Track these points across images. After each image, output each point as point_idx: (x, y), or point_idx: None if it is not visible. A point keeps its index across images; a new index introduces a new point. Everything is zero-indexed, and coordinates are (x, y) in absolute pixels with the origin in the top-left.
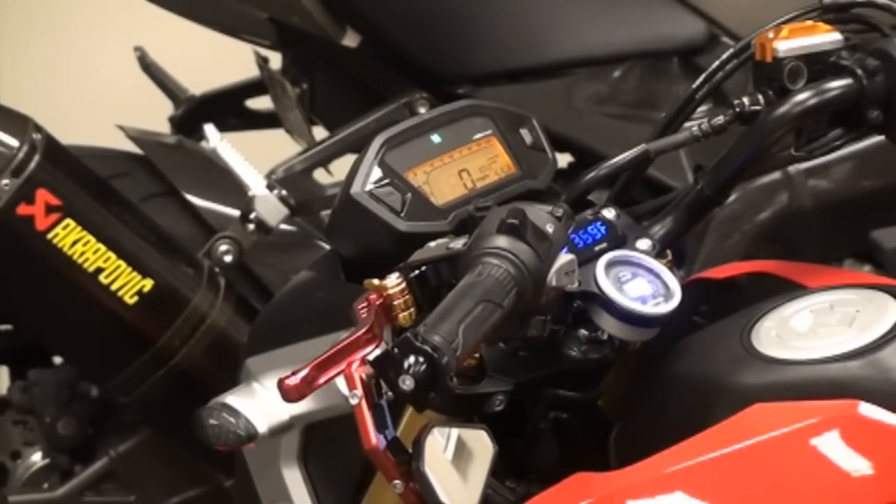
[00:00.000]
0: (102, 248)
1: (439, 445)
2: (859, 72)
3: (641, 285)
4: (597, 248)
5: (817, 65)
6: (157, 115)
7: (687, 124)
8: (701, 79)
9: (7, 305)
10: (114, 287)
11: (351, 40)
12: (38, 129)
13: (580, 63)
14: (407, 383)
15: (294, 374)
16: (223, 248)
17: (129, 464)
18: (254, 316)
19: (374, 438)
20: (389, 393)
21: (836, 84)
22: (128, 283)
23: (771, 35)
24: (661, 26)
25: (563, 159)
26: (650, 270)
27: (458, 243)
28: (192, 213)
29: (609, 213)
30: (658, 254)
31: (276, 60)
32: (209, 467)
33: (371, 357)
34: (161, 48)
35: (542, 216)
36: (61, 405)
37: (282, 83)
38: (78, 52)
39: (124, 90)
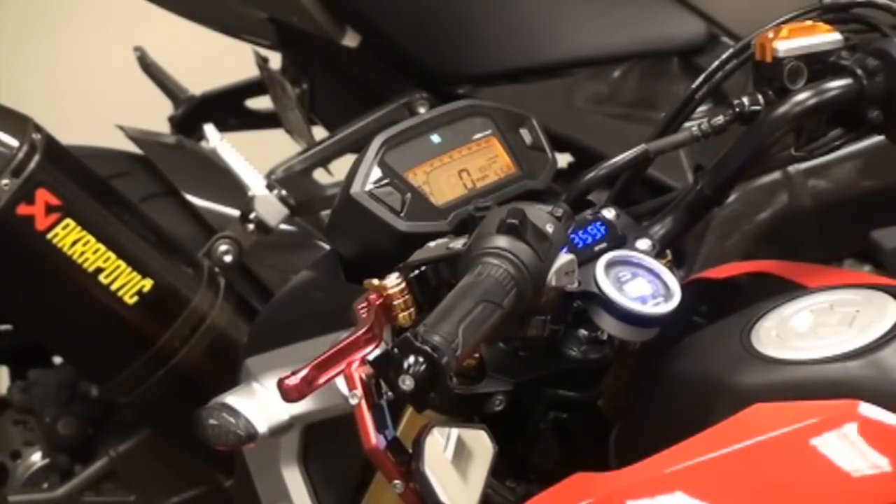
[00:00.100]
0: (102, 248)
1: (439, 445)
2: (859, 72)
3: (641, 285)
4: (597, 248)
5: (817, 65)
6: (157, 115)
7: (687, 124)
8: (701, 79)
9: (7, 305)
10: (114, 287)
11: (351, 40)
12: (38, 129)
13: (580, 63)
14: (407, 383)
15: (294, 374)
16: (223, 248)
17: (129, 464)
18: (254, 316)
19: (374, 438)
20: (389, 393)
21: (836, 84)
22: (128, 283)
23: (771, 35)
24: (661, 26)
25: (563, 159)
26: (650, 270)
27: (458, 243)
28: (192, 213)
29: (609, 213)
30: (658, 254)
31: (276, 60)
32: (209, 467)
33: (371, 357)
34: (161, 48)
35: (542, 216)
36: (61, 405)
37: (282, 83)
38: (78, 52)
39: (124, 90)
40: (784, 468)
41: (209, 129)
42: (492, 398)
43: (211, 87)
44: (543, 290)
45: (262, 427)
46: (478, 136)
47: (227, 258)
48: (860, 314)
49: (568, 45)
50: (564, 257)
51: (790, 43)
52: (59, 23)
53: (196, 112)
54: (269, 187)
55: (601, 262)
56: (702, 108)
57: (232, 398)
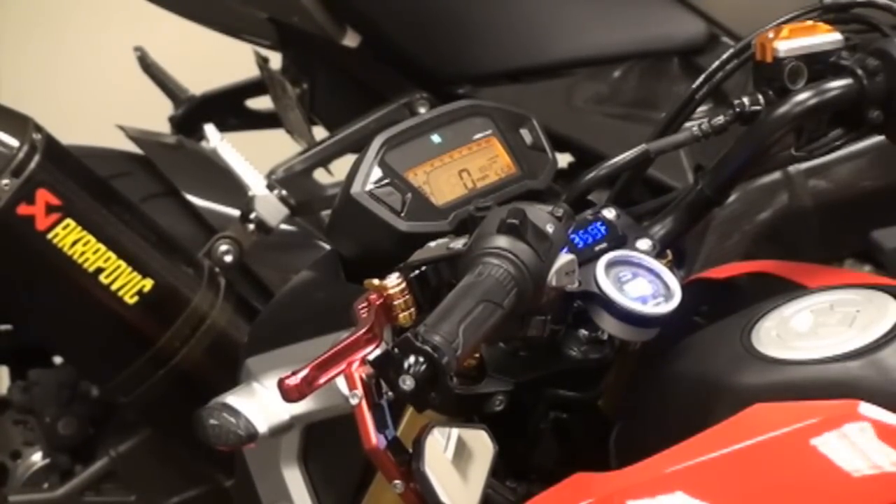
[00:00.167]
0: (102, 248)
1: (439, 445)
2: (859, 72)
3: (642, 285)
4: (597, 248)
5: (817, 65)
6: (157, 115)
7: (687, 124)
8: (701, 79)
9: (7, 305)
10: (114, 287)
11: (351, 40)
12: (38, 129)
13: (580, 63)
14: (407, 383)
15: (294, 374)
16: (223, 248)
17: (129, 464)
18: (254, 316)
19: (375, 438)
20: (389, 393)
21: (837, 84)
22: (128, 283)
23: (771, 35)
24: (661, 26)
25: (563, 159)
26: (650, 270)
27: (459, 243)
28: (193, 213)
29: (609, 213)
30: (658, 254)
31: (276, 60)
32: (209, 467)
33: (371, 357)
34: (161, 48)
35: (543, 216)
36: (62, 405)
37: (282, 83)
38: (78, 52)
39: (124, 90)
40: (784, 468)
41: (209, 129)
42: (492, 398)
43: (211, 87)
44: (544, 290)
45: (262, 427)
46: (478, 136)
47: (228, 258)
48: (860, 314)
49: (568, 45)
50: (565, 257)
51: (790, 43)
52: (59, 23)
53: (196, 112)
54: (270, 187)
55: (601, 262)
56: (702, 108)
57: (232, 398)
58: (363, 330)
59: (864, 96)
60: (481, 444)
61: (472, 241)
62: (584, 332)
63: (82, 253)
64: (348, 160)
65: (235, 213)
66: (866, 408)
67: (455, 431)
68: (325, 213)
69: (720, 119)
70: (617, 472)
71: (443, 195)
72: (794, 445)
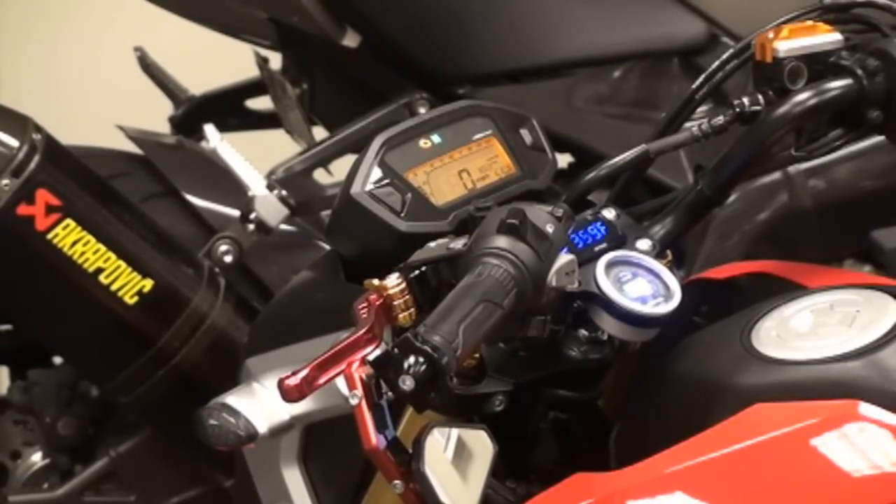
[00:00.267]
0: (102, 248)
1: (439, 446)
2: (859, 72)
3: (641, 285)
4: (597, 249)
5: (817, 65)
6: (157, 115)
7: (687, 124)
8: (701, 79)
9: (7, 305)
10: (114, 287)
11: (351, 40)
12: (38, 129)
13: (580, 63)
14: (407, 383)
15: (294, 374)
16: (223, 248)
17: (129, 464)
18: (254, 316)
19: (375, 438)
20: (389, 393)
21: (837, 84)
22: (128, 284)
23: (771, 35)
24: (661, 26)
25: (563, 159)
26: (650, 271)
27: (459, 243)
28: (192, 214)
29: (609, 214)
30: (658, 254)
31: (276, 60)
32: (209, 467)
33: (371, 357)
34: (161, 48)
35: (542, 216)
36: (61, 405)
37: (282, 83)
38: (78, 53)
39: (124, 90)
40: (784, 468)
41: (209, 129)
42: (492, 398)
43: (211, 88)
44: (544, 291)
45: (262, 427)
46: (478, 136)
47: (228, 258)
48: (860, 314)
49: (568, 45)
50: (564, 257)
51: (790, 43)
52: (59, 23)
53: (196, 112)
54: (270, 187)
55: (601, 263)
56: (702, 109)
57: (232, 398)
58: (363, 330)
59: (864, 96)
60: (481, 444)
61: (472, 241)
62: (583, 332)
63: (82, 253)
64: (348, 160)
65: (235, 213)
66: (866, 408)
67: (455, 431)
68: (325, 213)
69: (720, 119)
70: (617, 472)
71: (443, 195)
72: (794, 445)
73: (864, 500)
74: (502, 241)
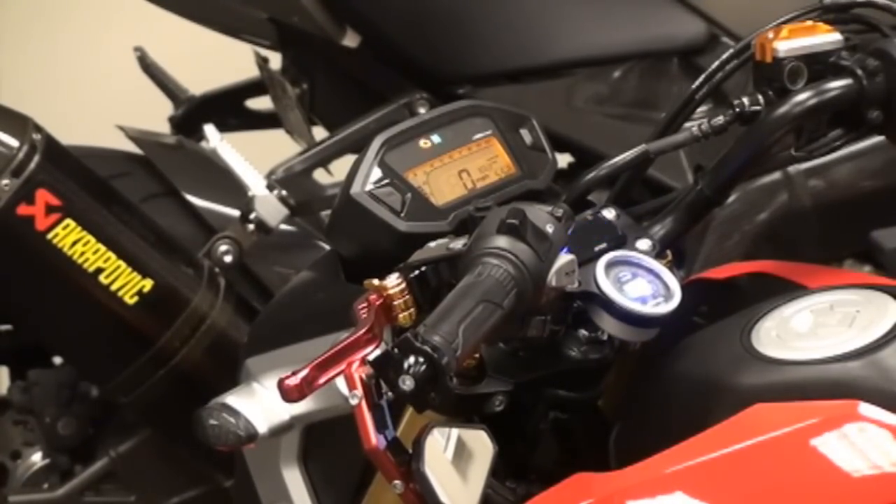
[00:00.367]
0: (102, 248)
1: (439, 446)
2: (859, 72)
3: (641, 285)
4: (597, 249)
5: (817, 65)
6: (157, 115)
7: (687, 124)
8: (701, 79)
9: (7, 305)
10: (114, 287)
11: (351, 40)
12: (38, 129)
13: (580, 63)
14: (407, 383)
15: (294, 374)
16: (223, 248)
17: (129, 464)
18: (254, 316)
19: (374, 439)
20: (389, 393)
21: (836, 84)
22: (128, 284)
23: (771, 35)
24: (661, 27)
25: (563, 159)
26: (650, 271)
27: (458, 243)
28: (192, 214)
29: (609, 214)
30: (658, 254)
31: (276, 60)
32: (209, 467)
33: (371, 357)
34: (161, 48)
35: (542, 216)
36: (61, 405)
37: (282, 83)
38: (78, 52)
39: (124, 90)
40: (784, 468)
41: (209, 129)
42: (492, 398)
43: (211, 88)
44: (543, 291)
45: (262, 427)
46: (478, 136)
47: (228, 258)
48: (860, 314)
49: (568, 45)
50: (564, 257)
51: (790, 43)
52: (59, 23)
53: (196, 112)
54: (270, 187)
55: (601, 263)
56: (702, 109)
57: (232, 398)
58: (363, 330)
59: (864, 96)
60: (481, 444)
61: (472, 241)
62: (583, 332)
63: (82, 253)
64: (348, 160)
65: (235, 213)
66: (866, 408)
67: (455, 432)
68: (325, 213)
69: (720, 119)
70: (617, 472)
71: (443, 195)
72: (794, 446)
73: (864, 500)
74: (502, 241)
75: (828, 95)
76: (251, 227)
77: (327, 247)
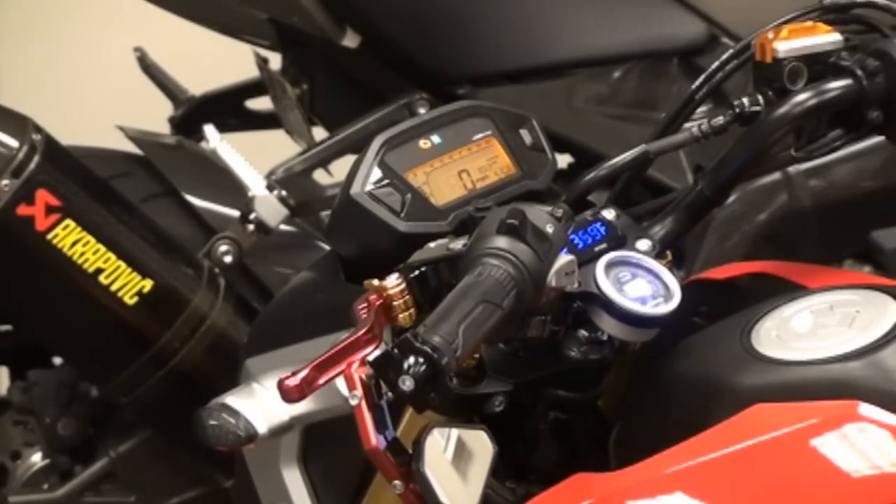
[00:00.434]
0: (102, 248)
1: (439, 446)
2: (859, 72)
3: (641, 286)
4: (597, 249)
5: (817, 65)
6: (157, 116)
7: (687, 125)
8: (701, 79)
9: (7, 306)
10: (114, 287)
11: (351, 41)
12: (38, 129)
13: (580, 64)
14: (407, 384)
15: (294, 374)
16: (223, 248)
17: (129, 464)
18: (254, 316)
19: (374, 439)
20: (389, 393)
21: (836, 85)
22: (128, 284)
23: (771, 35)
24: (661, 27)
25: (563, 160)
26: (650, 271)
27: (458, 244)
28: (192, 214)
29: (609, 214)
30: (658, 254)
31: (276, 61)
32: (209, 468)
33: (371, 357)
34: (161, 48)
35: (542, 217)
36: (61, 406)
37: (282, 84)
38: (78, 52)
39: (124, 90)
40: (784, 469)
41: (209, 129)
42: (492, 399)
43: (211, 88)
44: (543, 291)
45: (262, 427)
46: (478, 136)
47: (227, 259)
48: (860, 315)
49: (568, 45)
50: (564, 258)
51: (790, 43)
52: (59, 23)
53: (196, 112)
54: (269, 188)
55: (601, 263)
56: (702, 109)
57: (232, 399)
58: (363, 330)
59: (864, 97)
60: (481, 444)
61: (472, 241)
62: (583, 332)
63: (82, 253)
64: (348, 160)
65: (235, 213)
66: (866, 408)
67: (455, 432)
68: (325, 213)
69: (720, 120)
70: (617, 473)
71: (442, 196)
72: (794, 446)
73: (864, 501)
74: (502, 242)
75: (828, 96)
76: (251, 227)
77: (327, 247)
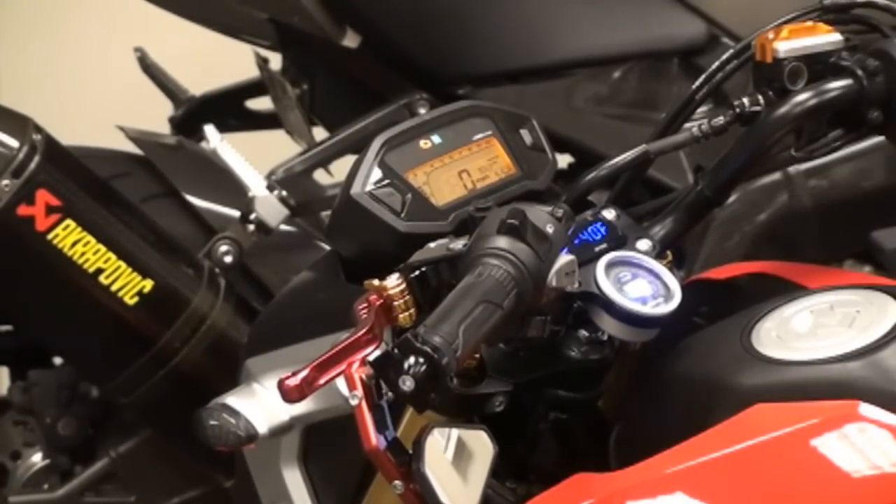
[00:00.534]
0: (103, 248)
1: (439, 446)
2: (859, 72)
3: (641, 286)
4: (597, 249)
5: (817, 65)
6: (157, 116)
7: (687, 125)
8: (701, 79)
9: (7, 306)
10: (114, 288)
11: (351, 41)
12: (38, 129)
13: (580, 64)
14: (407, 384)
15: (294, 374)
16: (223, 248)
17: (129, 464)
18: (254, 316)
19: (375, 439)
20: (389, 393)
21: (837, 85)
22: (128, 284)
23: (771, 35)
24: (661, 27)
25: (563, 159)
26: (650, 271)
27: (459, 244)
28: (192, 214)
29: (609, 214)
30: (658, 254)
31: (276, 61)
32: (209, 468)
33: (371, 358)
34: (161, 48)
35: (543, 217)
36: (61, 406)
37: (282, 84)
38: (78, 52)
39: (124, 90)
40: (785, 469)
41: (209, 129)
42: (492, 399)
43: (211, 88)
44: (544, 291)
45: (262, 428)
46: (478, 136)
47: (228, 259)
48: (860, 315)
49: (568, 45)
50: (565, 258)
51: (790, 43)
52: (59, 23)
53: (196, 113)
54: (270, 188)
55: (601, 263)
56: (702, 109)
57: (232, 399)
58: (363, 330)
59: (864, 97)
60: (481, 444)
61: (472, 241)
62: (583, 332)
63: (82, 254)
64: (348, 160)
65: (235, 213)
66: (866, 408)
67: (455, 432)
68: (325, 213)
69: (720, 120)
70: (617, 473)
71: (443, 196)
72: (795, 446)
73: (864, 501)
74: (502, 242)
75: (828, 96)
76: (251, 227)
77: (327, 247)
